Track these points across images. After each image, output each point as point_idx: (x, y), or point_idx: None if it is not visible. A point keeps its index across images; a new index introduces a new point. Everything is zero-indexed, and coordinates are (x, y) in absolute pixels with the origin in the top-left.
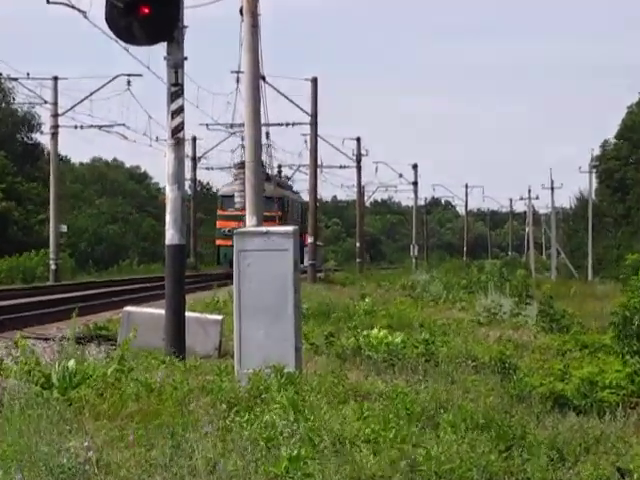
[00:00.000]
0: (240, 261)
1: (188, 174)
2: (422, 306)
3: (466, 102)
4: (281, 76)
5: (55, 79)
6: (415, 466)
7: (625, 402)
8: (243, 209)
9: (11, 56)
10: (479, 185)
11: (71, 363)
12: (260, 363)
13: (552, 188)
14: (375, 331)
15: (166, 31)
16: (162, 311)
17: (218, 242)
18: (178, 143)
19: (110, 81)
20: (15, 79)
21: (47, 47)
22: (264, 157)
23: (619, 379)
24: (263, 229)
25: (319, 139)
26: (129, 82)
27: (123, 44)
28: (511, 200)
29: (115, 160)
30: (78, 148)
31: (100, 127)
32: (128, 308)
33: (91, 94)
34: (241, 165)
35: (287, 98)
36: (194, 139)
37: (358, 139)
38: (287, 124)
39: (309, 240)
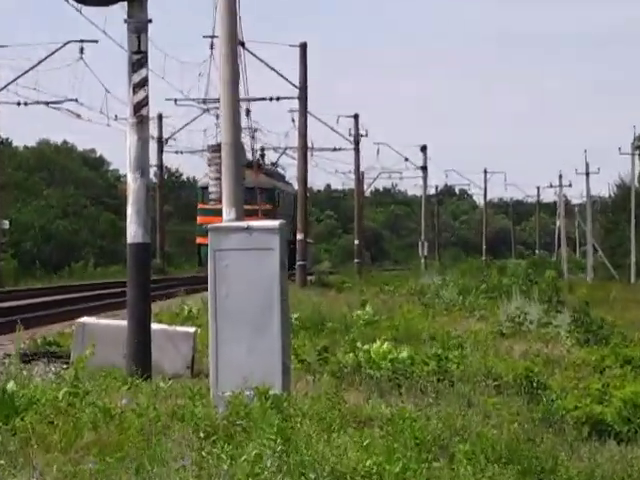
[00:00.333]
0: (216, 262)
1: (153, 159)
2: (433, 315)
3: (484, 76)
4: (264, 42)
5: None
6: None
7: None
8: (220, 201)
9: None
10: (500, 171)
11: (10, 385)
12: (241, 384)
13: (587, 173)
14: (377, 345)
15: None
16: (123, 322)
17: (199, 240)
18: (141, 122)
19: (60, 48)
20: None
21: None
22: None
23: None
24: (243, 224)
25: (309, 117)
26: (82, 50)
27: (75, 4)
28: (538, 188)
29: (66, 143)
30: (21, 129)
31: (48, 103)
32: (83, 319)
33: (37, 64)
34: (216, 148)
35: (271, 68)
36: (160, 117)
37: (356, 116)
38: (271, 99)
39: (298, 237)
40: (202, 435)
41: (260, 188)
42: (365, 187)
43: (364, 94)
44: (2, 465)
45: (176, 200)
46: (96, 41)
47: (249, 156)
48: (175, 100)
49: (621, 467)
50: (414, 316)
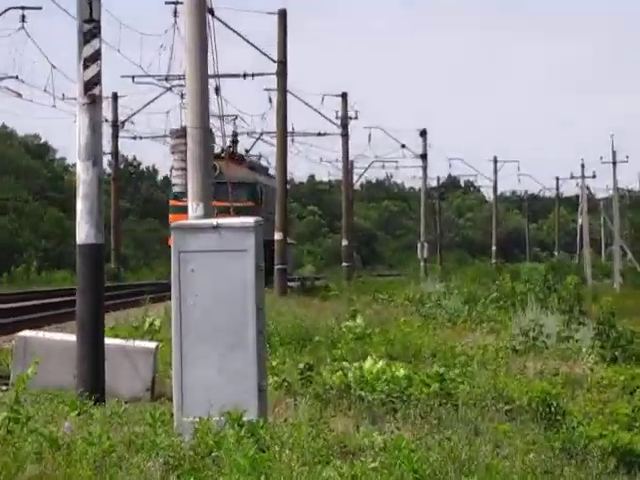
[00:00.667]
0: (180, 266)
1: (107, 146)
2: (434, 328)
3: (493, 44)
4: (236, 9)
5: None
6: None
7: None
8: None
9: None
10: (513, 159)
11: None
12: (209, 408)
13: (614, 162)
14: (369, 363)
15: None
16: (72, 337)
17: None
18: (93, 102)
19: None
20: None
21: None
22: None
23: None
24: (212, 222)
25: (290, 96)
26: (24, 18)
27: None
28: (558, 180)
29: (4, 127)
30: None
31: None
32: (24, 333)
33: None
34: (181, 133)
35: (244, 39)
36: (115, 97)
37: (344, 95)
38: (245, 75)
39: (276, 236)
40: (165, 468)
41: (240, 182)
42: (355, 178)
43: (353, 69)
44: None
45: (134, 194)
46: (40, 7)
47: (219, 142)
48: (133, 77)
49: None
50: (412, 329)
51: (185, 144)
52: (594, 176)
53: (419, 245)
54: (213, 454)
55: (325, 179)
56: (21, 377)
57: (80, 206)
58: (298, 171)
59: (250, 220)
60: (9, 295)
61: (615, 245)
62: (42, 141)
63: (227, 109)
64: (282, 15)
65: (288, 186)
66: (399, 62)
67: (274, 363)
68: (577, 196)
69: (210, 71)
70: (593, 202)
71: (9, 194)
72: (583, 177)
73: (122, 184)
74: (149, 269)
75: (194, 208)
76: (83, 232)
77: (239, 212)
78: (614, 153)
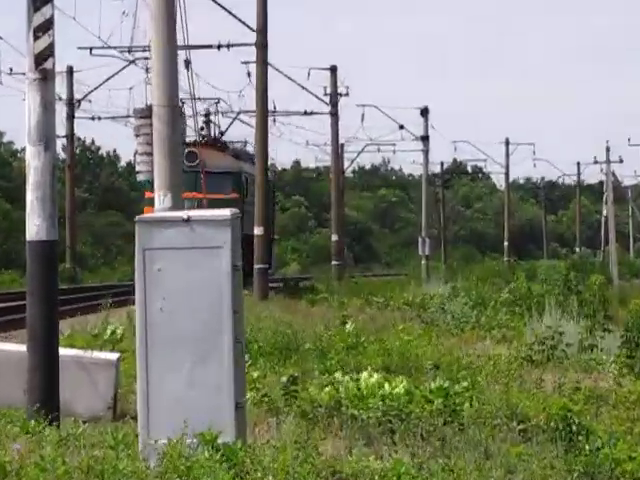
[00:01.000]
0: (146, 266)
1: (61, 127)
2: (438, 336)
3: (504, 11)
4: None
5: None
6: None
7: None
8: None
9: None
10: (527, 142)
11: None
12: (179, 428)
13: None
14: (364, 376)
15: None
16: (22, 347)
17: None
18: (45, 78)
19: None
20: None
21: None
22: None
23: None
24: (182, 214)
25: (271, 70)
26: None
27: None
28: (579, 165)
29: None
30: None
31: None
32: None
33: None
34: (146, 112)
35: (218, 4)
36: (70, 72)
37: (333, 69)
38: (220, 46)
39: (256, 231)
40: None
41: (223, 172)
42: (346, 164)
43: (343, 39)
44: None
45: (92, 182)
46: None
47: (190, 124)
48: (90, 49)
49: None
50: (412, 337)
51: (151, 125)
52: (621, 161)
53: (420, 240)
54: None
55: (312, 165)
56: None
57: (30, 196)
58: (281, 156)
59: (226, 212)
60: None
61: None
62: None
63: (199, 85)
64: None
65: (271, 174)
66: (396, 32)
67: (254, 376)
68: (601, 183)
69: (179, 42)
70: (619, 190)
71: None
72: (608, 162)
73: (79, 171)
74: (110, 269)
75: (161, 199)
76: (34, 227)
77: (221, 205)
78: None
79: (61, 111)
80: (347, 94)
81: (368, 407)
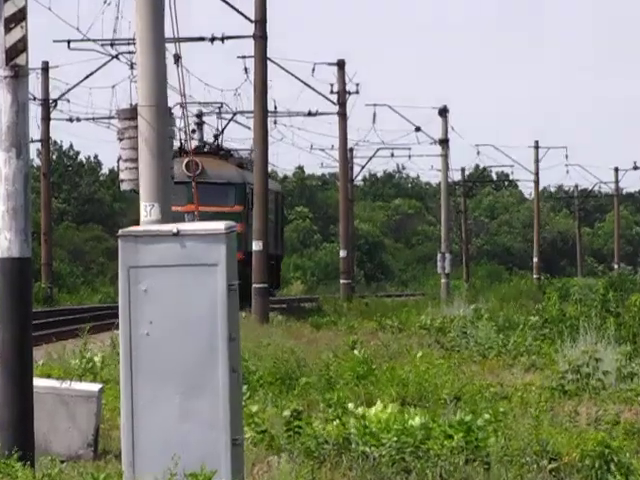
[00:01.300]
0: (130, 286)
1: (35, 131)
2: (460, 363)
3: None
4: None
5: None
6: None
7: None
8: (137, 192)
9: None
10: (559, 145)
11: None
12: (168, 468)
13: None
14: (376, 409)
15: None
16: None
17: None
18: (17, 75)
19: None
20: None
21: None
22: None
23: None
24: (171, 228)
25: (271, 66)
26: None
27: None
28: (617, 171)
29: None
30: None
31: None
32: None
33: None
34: (131, 113)
35: None
36: (46, 68)
37: (341, 64)
38: (214, 39)
39: (255, 247)
40: None
41: (225, 183)
42: (355, 171)
43: (352, 31)
44: None
45: (70, 192)
46: None
47: (179, 125)
48: (68, 42)
49: None
50: (430, 365)
51: (136, 127)
52: None
53: (439, 256)
54: None
55: (317, 172)
56: None
57: (1, 208)
58: (282, 162)
59: (220, 225)
60: None
61: None
62: None
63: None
64: None
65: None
66: (411, 24)
67: (252, 409)
68: None
69: (168, 34)
70: None
71: None
72: None
73: (55, 180)
74: (90, 289)
75: (147, 210)
76: (5, 242)
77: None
78: None
79: (35, 112)
80: (357, 92)
81: (380, 444)
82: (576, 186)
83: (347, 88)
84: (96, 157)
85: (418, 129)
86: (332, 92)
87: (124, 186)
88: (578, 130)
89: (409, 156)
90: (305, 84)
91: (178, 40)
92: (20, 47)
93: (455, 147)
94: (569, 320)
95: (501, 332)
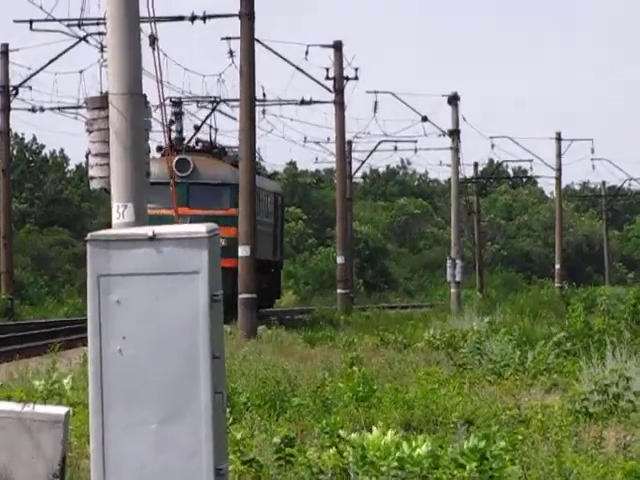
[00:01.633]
0: (100, 297)
1: None
2: (472, 382)
3: None
4: None
5: None
6: None
7: None
8: (108, 191)
9: None
10: (583, 137)
11: None
12: None
13: None
14: (376, 434)
15: None
16: None
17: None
18: None
19: None
20: None
21: None
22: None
23: None
24: (146, 231)
25: (260, 48)
26: None
27: None
28: None
29: None
30: None
31: None
32: None
33: None
34: (101, 102)
35: None
36: (5, 51)
37: (337, 46)
38: (194, 18)
39: (241, 252)
40: None
41: (219, 184)
42: (354, 167)
43: (351, 10)
44: None
45: (33, 191)
46: None
47: (155, 115)
48: (30, 22)
49: None
50: (439, 385)
51: (107, 118)
52: None
53: (449, 263)
54: None
55: (311, 168)
56: None
57: None
58: (272, 156)
59: (201, 228)
60: None
61: None
62: None
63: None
64: None
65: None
66: (415, 1)
67: (238, 436)
68: None
69: (142, 12)
70: None
71: None
72: None
73: (16, 177)
74: (56, 300)
75: (120, 211)
76: None
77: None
78: None
79: None
80: (356, 78)
81: (381, 473)
82: (603, 183)
83: (345, 73)
84: (62, 152)
85: (425, 119)
86: (328, 78)
87: (94, 184)
88: (605, 121)
89: (415, 150)
90: (297, 69)
91: (154, 20)
92: None
93: (467, 139)
94: (595, 334)
95: (519, 348)
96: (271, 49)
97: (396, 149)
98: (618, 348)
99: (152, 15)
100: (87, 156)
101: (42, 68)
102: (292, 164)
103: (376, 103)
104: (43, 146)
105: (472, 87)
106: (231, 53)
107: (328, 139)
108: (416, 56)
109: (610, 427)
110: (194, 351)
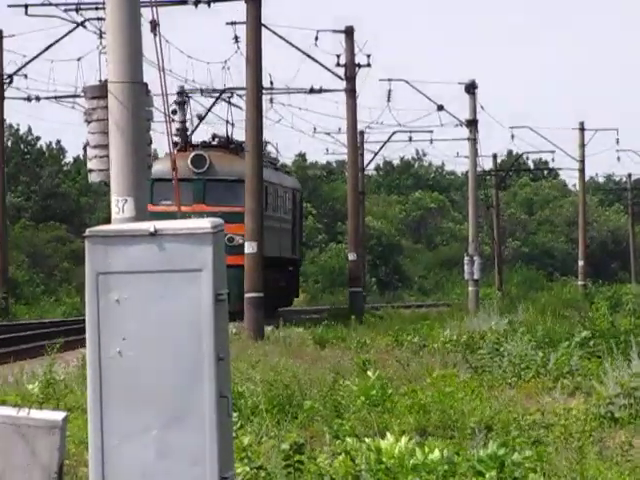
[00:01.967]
0: (100, 296)
1: None
2: (491, 385)
3: None
4: None
5: None
6: None
7: None
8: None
9: None
10: (608, 127)
11: None
12: None
13: None
14: (390, 440)
15: None
16: None
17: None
18: None
19: None
20: None
21: None
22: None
23: None
24: (147, 226)
25: (267, 34)
26: None
27: None
28: None
29: None
30: None
31: None
32: None
33: None
34: (100, 91)
35: None
36: None
37: (349, 31)
38: (197, 2)
39: (248, 249)
40: None
41: (235, 180)
42: (367, 159)
43: None
44: None
45: (29, 185)
46: None
47: (156, 105)
48: (26, 6)
49: None
50: (456, 388)
51: (107, 108)
52: None
53: (466, 260)
54: None
55: (321, 160)
56: None
57: None
58: (280, 148)
59: (205, 224)
60: None
61: None
62: None
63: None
64: None
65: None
66: None
67: (244, 441)
68: None
69: None
70: None
71: None
72: None
73: (11, 170)
74: (53, 300)
75: (119, 206)
76: None
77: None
78: None
79: None
80: (368, 65)
81: None
82: (629, 175)
83: (356, 60)
84: (59, 143)
85: (441, 108)
86: (338, 65)
87: (93, 177)
88: (631, 110)
89: (430, 140)
90: (307, 55)
91: (155, 4)
92: None
93: (485, 130)
94: (621, 335)
95: (540, 349)
96: (279, 35)
97: (411, 140)
98: None
99: None
100: (85, 148)
101: (38, 55)
102: (301, 156)
103: (389, 91)
104: (39, 137)
105: (490, 74)
106: (236, 39)
107: (339, 129)
108: (432, 41)
109: (637, 433)
110: (197, 353)
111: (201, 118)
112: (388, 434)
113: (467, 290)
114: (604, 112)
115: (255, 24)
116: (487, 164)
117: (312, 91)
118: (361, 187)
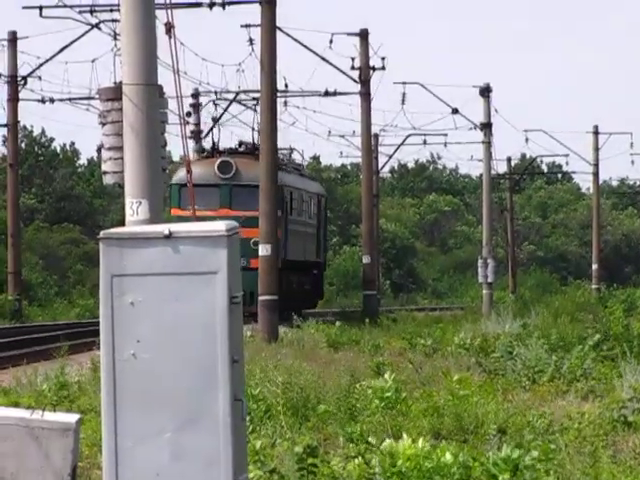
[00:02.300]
0: (114, 298)
1: (0, 113)
2: (504, 389)
3: None
4: None
5: None
6: None
7: None
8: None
9: None
10: (622, 131)
11: None
12: None
13: None
14: (405, 443)
15: None
16: None
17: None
18: None
19: None
20: None
21: None
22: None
23: None
24: (162, 229)
25: (281, 37)
26: None
27: None
28: None
29: None
30: None
31: None
32: None
33: None
34: (115, 93)
35: None
36: (14, 39)
37: (363, 34)
38: (213, 4)
39: (262, 252)
40: None
41: (256, 185)
42: (381, 161)
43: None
44: None
45: (43, 187)
46: None
47: (171, 106)
48: (40, 8)
49: None
50: (470, 392)
51: (121, 110)
52: None
53: (480, 263)
54: None
55: (336, 162)
56: None
57: None
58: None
59: (220, 226)
60: None
61: None
62: None
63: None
64: None
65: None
66: None
67: (257, 445)
68: None
69: None
70: None
71: None
72: None
73: (25, 172)
74: (67, 302)
75: (134, 208)
76: None
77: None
78: None
79: (1, 92)
80: (382, 68)
81: None
82: None
83: (371, 63)
84: (73, 145)
85: (455, 111)
86: (353, 68)
87: (107, 179)
88: None
89: (445, 143)
90: (322, 58)
91: (171, 6)
92: None
93: (499, 133)
94: (635, 338)
95: (554, 353)
96: (294, 38)
97: (425, 143)
98: None
99: (168, 1)
100: (100, 150)
101: (52, 57)
102: (316, 158)
103: (404, 94)
104: (53, 139)
105: (504, 78)
106: (251, 41)
107: (353, 132)
108: (447, 46)
109: None
110: (212, 355)
111: (216, 120)
112: (405, 435)
113: (481, 293)
114: (615, 117)
115: (270, 27)
116: (501, 167)
117: (327, 94)
118: (375, 190)
